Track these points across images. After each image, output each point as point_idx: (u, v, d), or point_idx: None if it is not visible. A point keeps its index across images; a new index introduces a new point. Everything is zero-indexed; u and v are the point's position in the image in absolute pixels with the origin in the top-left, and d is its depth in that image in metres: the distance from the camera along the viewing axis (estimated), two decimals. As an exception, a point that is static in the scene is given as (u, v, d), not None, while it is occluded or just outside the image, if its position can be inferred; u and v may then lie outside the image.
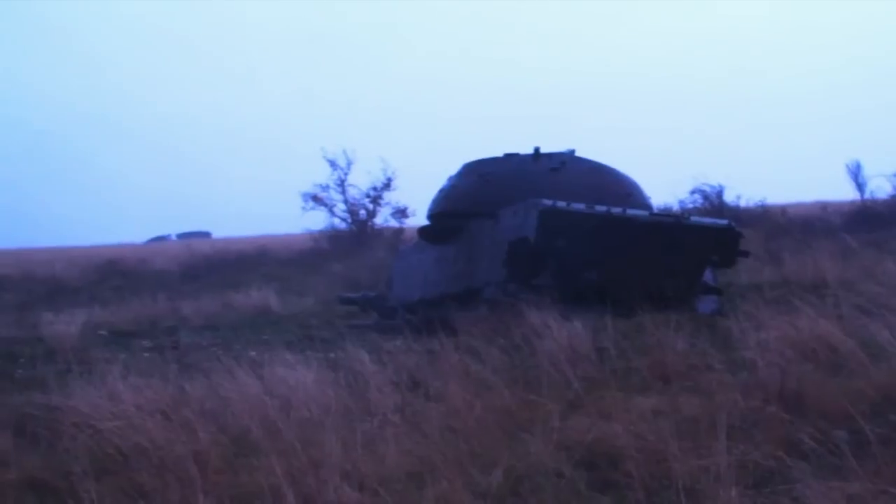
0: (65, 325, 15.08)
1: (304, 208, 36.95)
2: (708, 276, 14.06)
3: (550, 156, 15.34)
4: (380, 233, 36.06)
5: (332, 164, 36.79)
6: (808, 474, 5.57)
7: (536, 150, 15.33)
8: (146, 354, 12.37)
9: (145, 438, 6.77)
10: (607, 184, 15.21)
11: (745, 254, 14.37)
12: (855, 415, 6.31)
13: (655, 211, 16.19)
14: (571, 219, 12.79)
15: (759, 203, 29.08)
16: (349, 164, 36.85)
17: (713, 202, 28.63)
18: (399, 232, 35.05)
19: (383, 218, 37.01)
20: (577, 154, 15.61)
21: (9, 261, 38.22)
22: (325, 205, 36.97)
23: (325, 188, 36.93)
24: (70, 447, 7.19)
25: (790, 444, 6.16)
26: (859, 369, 7.79)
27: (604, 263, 12.80)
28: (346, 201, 37.02)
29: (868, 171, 30.78)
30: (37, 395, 9.19)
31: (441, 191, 16.39)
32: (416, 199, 35.60)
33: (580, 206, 13.00)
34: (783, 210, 28.69)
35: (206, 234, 66.84)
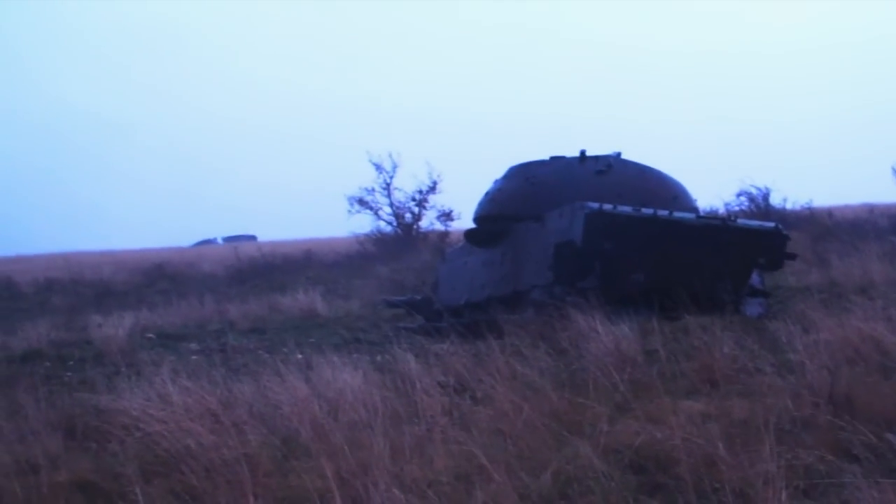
0: (113, 328, 15.23)
1: (349, 211, 37.06)
2: (755, 278, 13.98)
3: (597, 158, 15.29)
4: (425, 236, 36.04)
5: (378, 167, 36.89)
6: (859, 477, 5.53)
7: (582, 152, 15.29)
8: (194, 357, 12.46)
9: (194, 441, 6.80)
10: (653, 186, 15.14)
11: (792, 256, 14.29)
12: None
13: (702, 214, 16.14)
14: (618, 222, 12.74)
15: (806, 205, 28.95)
16: (395, 167, 36.93)
17: (759, 205, 28.45)
18: (444, 235, 34.99)
19: (428, 221, 37.04)
20: (624, 157, 15.56)
21: (58, 264, 38.49)
22: (371, 208, 37.04)
23: (371, 191, 37.02)
24: (119, 449, 7.25)
25: (840, 448, 6.13)
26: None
27: (650, 266, 12.75)
28: (391, 204, 37.09)
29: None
30: (86, 397, 9.29)
31: (487, 194, 16.37)
32: (461, 202, 35.63)
33: (626, 209, 12.95)
34: (829, 212, 28.46)
35: (252, 238, 66.98)
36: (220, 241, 71.80)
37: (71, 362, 12.65)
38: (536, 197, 14.81)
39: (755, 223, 14.76)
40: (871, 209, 29.98)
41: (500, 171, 16.37)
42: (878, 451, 5.99)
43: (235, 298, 23.62)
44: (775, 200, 28.79)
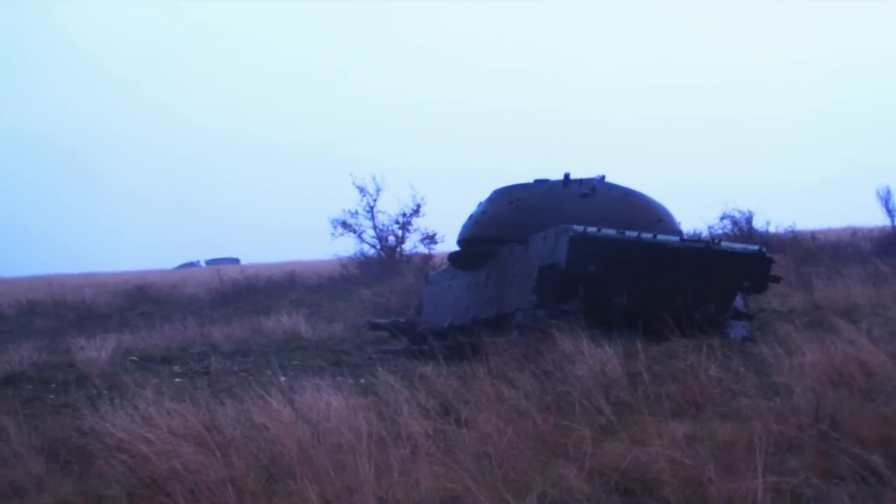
0: (96, 350, 15.16)
1: (333, 234, 37.05)
2: (739, 301, 14.02)
3: (580, 182, 15.33)
4: (409, 259, 36.01)
5: (362, 190, 36.86)
6: (845, 499, 5.54)
7: (566, 175, 15.33)
8: (177, 380, 12.42)
9: (179, 463, 6.77)
10: (637, 210, 15.18)
11: (776, 279, 14.33)
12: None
13: (686, 237, 16.18)
14: (602, 245, 12.76)
15: (789, 229, 28.99)
16: (378, 190, 36.91)
17: (743, 228, 28.50)
18: (428, 258, 34.95)
19: (412, 244, 37.04)
20: (608, 180, 15.60)
21: (40, 286, 38.35)
22: (355, 231, 37.02)
23: (354, 214, 37.00)
24: (103, 472, 7.22)
25: (827, 470, 6.13)
26: (895, 393, 7.75)
27: (634, 289, 12.76)
28: (375, 227, 37.06)
29: (899, 196, 30.57)
30: (69, 420, 9.25)
31: (471, 217, 16.39)
32: (445, 225, 35.72)
33: (610, 232, 12.98)
34: (813, 235, 28.50)
35: (235, 261, 66.84)
36: (202, 263, 71.68)
37: (53, 385, 12.58)
38: (520, 220, 14.84)
39: (739, 246, 14.80)
40: (854, 232, 30.08)
41: (484, 194, 16.41)
42: (864, 474, 5.99)
43: (219, 321, 23.58)
44: (758, 224, 28.85)
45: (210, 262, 69.25)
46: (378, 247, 37.06)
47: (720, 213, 29.10)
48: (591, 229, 12.86)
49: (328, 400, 8.32)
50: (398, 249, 37.01)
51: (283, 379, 10.71)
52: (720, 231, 27.99)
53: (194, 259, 74.18)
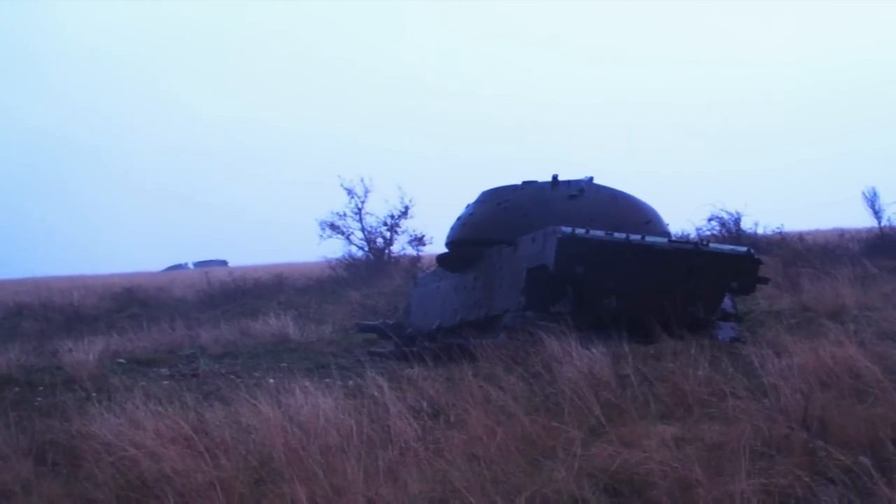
0: (83, 353, 15.13)
1: (321, 236, 36.95)
2: (727, 303, 14.03)
3: (569, 183, 15.33)
4: (397, 261, 35.94)
5: (350, 192, 36.75)
6: (834, 500, 5.55)
7: (555, 177, 15.33)
8: (165, 382, 12.40)
9: (168, 466, 6.76)
10: (626, 211, 15.19)
11: (765, 280, 14.35)
12: (884, 440, 6.29)
13: (674, 238, 16.18)
14: (590, 246, 12.76)
15: (777, 230, 28.96)
16: (366, 192, 36.78)
17: (731, 229, 28.47)
18: (416, 260, 34.88)
19: (400, 246, 36.93)
20: (596, 181, 15.61)
21: (27, 289, 38.24)
22: (343, 233, 36.92)
23: (343, 216, 36.89)
24: (91, 474, 7.20)
25: (815, 470, 6.14)
26: (883, 395, 7.75)
27: (623, 290, 12.77)
28: (363, 229, 36.95)
29: (885, 198, 30.58)
30: (57, 422, 9.23)
31: (459, 218, 16.39)
32: (433, 227, 35.59)
33: (599, 234, 12.98)
34: (801, 237, 28.52)
35: (223, 263, 66.66)
36: (190, 265, 71.56)
37: (41, 387, 12.55)
38: (509, 221, 14.84)
39: (727, 248, 14.80)
40: (841, 234, 30.04)
41: (472, 196, 16.41)
42: (852, 474, 6.00)
43: (207, 323, 23.51)
44: (746, 225, 28.82)
45: (198, 265, 69.15)
46: (366, 248, 36.97)
47: (708, 215, 29.06)
48: (580, 231, 12.86)
49: (317, 402, 8.31)
50: (386, 251, 36.92)
51: (271, 381, 10.71)
52: (708, 232, 27.97)
53: (182, 261, 74.05)
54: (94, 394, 11.38)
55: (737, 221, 28.89)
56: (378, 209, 37.39)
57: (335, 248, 37.42)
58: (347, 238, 37.13)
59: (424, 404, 8.88)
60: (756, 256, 13.90)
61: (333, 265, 36.50)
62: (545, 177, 15.48)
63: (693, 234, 26.69)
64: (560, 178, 15.35)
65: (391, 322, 18.51)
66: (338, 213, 36.98)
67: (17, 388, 12.55)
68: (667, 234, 15.60)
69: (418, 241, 36.32)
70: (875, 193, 30.03)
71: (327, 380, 10.93)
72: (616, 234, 13.06)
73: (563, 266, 12.69)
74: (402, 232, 36.79)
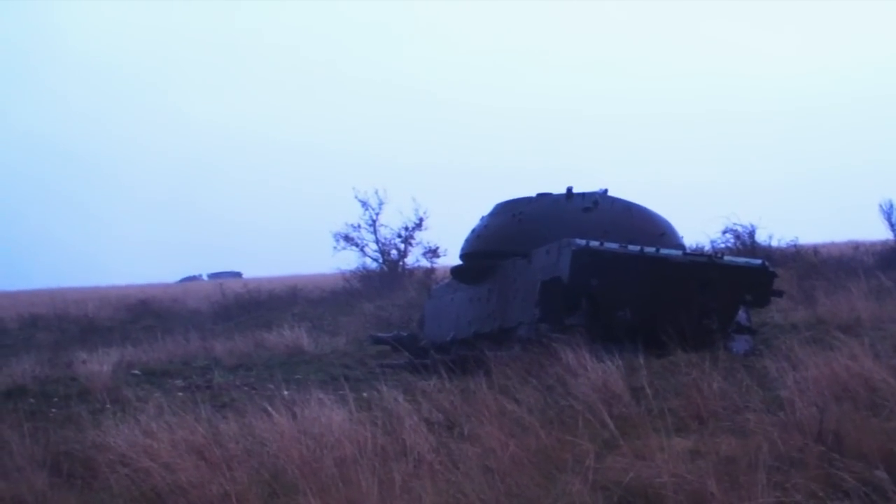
0: (98, 364, 15.14)
1: (335, 248, 36.97)
2: (742, 315, 13.99)
3: (583, 195, 15.33)
4: (411, 273, 35.91)
5: (364, 204, 36.77)
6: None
7: (569, 189, 15.33)
8: (179, 394, 12.41)
9: (182, 477, 6.77)
10: (640, 223, 15.18)
11: (779, 293, 14.33)
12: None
13: (688, 251, 16.16)
14: (604, 259, 12.74)
15: (792, 243, 28.88)
16: (381, 203, 36.80)
17: (745, 242, 28.37)
18: (430, 272, 34.86)
19: (415, 258, 36.91)
20: (610, 194, 15.60)
21: (43, 300, 38.35)
22: (357, 244, 36.92)
23: (357, 228, 36.89)
24: (106, 486, 7.22)
25: (831, 484, 6.12)
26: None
27: (637, 303, 12.74)
28: (377, 241, 36.95)
29: (901, 210, 30.45)
30: (72, 433, 9.25)
31: (474, 231, 16.41)
32: (447, 239, 35.55)
33: (613, 246, 12.97)
34: (815, 250, 28.42)
35: (237, 275, 66.66)
36: (205, 277, 71.54)
37: (56, 398, 12.57)
38: (523, 234, 14.84)
39: (742, 260, 14.79)
40: (856, 246, 29.97)
41: (486, 208, 16.42)
42: (868, 488, 5.97)
43: (221, 335, 23.51)
44: (761, 238, 28.74)
45: (212, 276, 69.17)
46: (380, 260, 36.99)
47: (723, 227, 28.98)
48: (594, 243, 12.85)
49: (331, 414, 8.32)
50: (400, 263, 36.92)
51: (285, 393, 10.72)
52: (723, 245, 27.90)
53: (196, 273, 74.01)
54: (108, 405, 11.41)
55: (751, 234, 28.81)
56: (392, 221, 37.39)
57: (349, 260, 37.48)
58: (362, 250, 37.18)
59: (439, 416, 8.87)
60: (770, 269, 13.90)
61: (348, 277, 36.53)
62: (560, 189, 15.49)
63: (707, 247, 26.63)
64: (574, 190, 15.35)
65: (405, 334, 18.50)
66: (352, 225, 37.03)
67: (31, 400, 12.57)
68: (681, 246, 15.59)
69: (432, 253, 36.33)
70: (892, 206, 29.98)
71: (341, 392, 10.91)
72: (630, 247, 13.05)
73: (578, 278, 12.68)
74: (417, 244, 36.82)
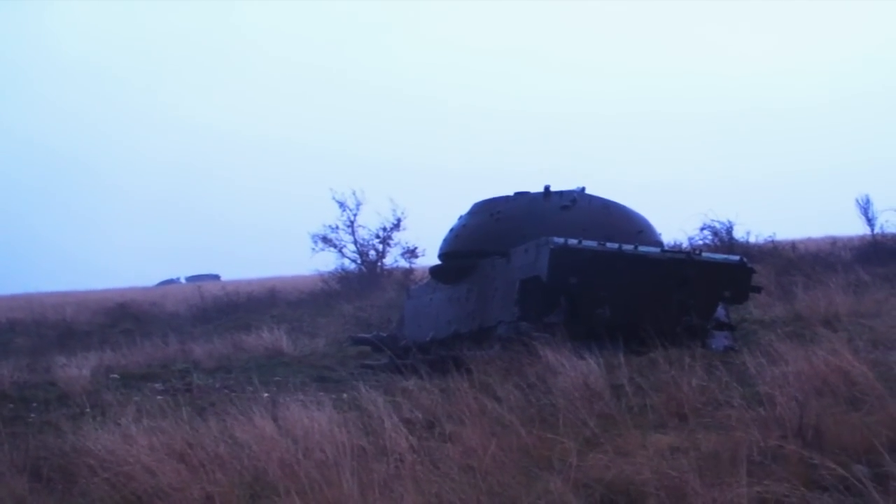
0: (77, 368, 15.10)
1: (313, 249, 36.92)
2: (720, 312, 14.02)
3: (561, 194, 15.35)
4: (390, 273, 35.92)
5: (342, 205, 36.75)
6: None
7: (547, 188, 15.34)
8: (159, 397, 12.35)
9: (162, 481, 6.75)
10: (618, 221, 15.21)
11: (758, 289, 14.36)
12: (880, 449, 6.29)
13: (666, 248, 16.19)
14: (583, 256, 12.75)
15: (769, 239, 28.97)
16: (358, 204, 36.76)
17: (723, 239, 28.45)
18: (409, 272, 34.86)
19: (393, 258, 36.90)
20: (588, 192, 15.62)
21: (20, 305, 38.17)
22: (335, 246, 36.87)
23: (335, 229, 36.86)
24: (86, 490, 7.19)
25: (811, 479, 6.13)
26: (878, 403, 7.76)
27: (616, 300, 12.76)
28: (355, 242, 36.93)
29: (878, 205, 30.57)
30: (51, 438, 9.22)
31: (452, 230, 16.41)
32: (426, 239, 35.53)
33: (591, 244, 12.97)
34: (793, 245, 28.54)
35: (216, 277, 66.42)
36: (183, 280, 71.37)
37: (35, 403, 12.54)
38: (501, 233, 14.84)
39: (720, 257, 14.83)
40: (833, 242, 30.10)
41: (464, 208, 16.42)
42: (847, 483, 5.99)
43: (200, 338, 23.44)
44: (739, 234, 28.82)
45: (190, 279, 68.98)
46: (359, 261, 36.95)
47: (700, 224, 29.06)
48: (573, 241, 12.85)
49: (311, 415, 8.31)
50: (379, 264, 36.90)
51: (265, 395, 10.71)
52: (700, 242, 27.95)
53: (174, 276, 73.86)
54: (88, 409, 11.37)
55: (729, 230, 28.88)
56: (370, 222, 37.36)
57: (328, 262, 37.43)
58: (340, 251, 37.13)
59: (419, 416, 8.87)
60: (749, 265, 13.93)
61: (326, 278, 36.48)
62: (537, 187, 15.50)
63: (685, 244, 26.68)
64: (552, 188, 15.37)
65: (385, 335, 18.50)
66: (330, 226, 36.98)
67: (10, 405, 12.54)
68: (659, 243, 15.62)
69: (411, 253, 36.32)
70: (868, 201, 30.05)
71: (321, 393, 10.92)
72: (609, 245, 13.06)
73: (557, 277, 12.68)
74: (395, 244, 36.81)
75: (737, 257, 14.35)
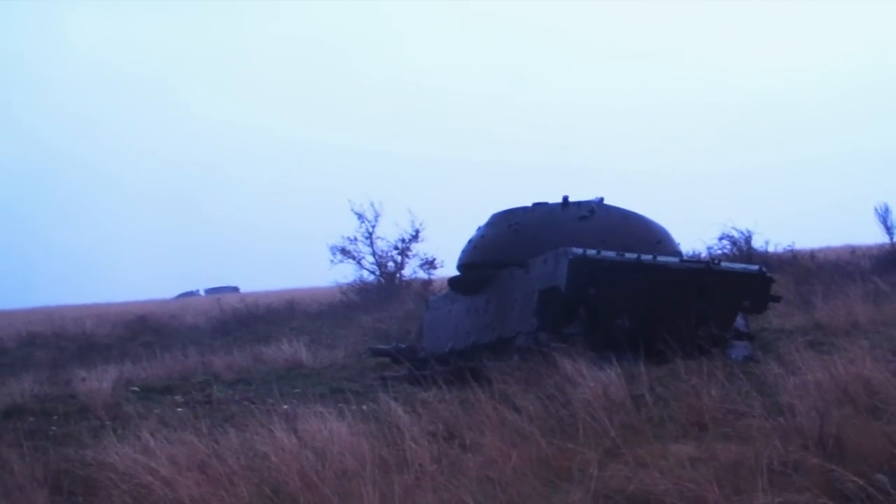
0: (97, 381, 15.11)
1: (332, 261, 36.97)
2: (740, 321, 13.99)
3: (579, 204, 15.34)
4: (408, 284, 35.88)
5: (360, 216, 36.75)
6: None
7: (565, 198, 15.33)
8: (179, 409, 12.37)
9: (183, 493, 6.76)
10: (637, 231, 15.18)
11: (777, 299, 14.31)
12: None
13: (685, 257, 16.16)
14: (602, 267, 12.74)
15: (788, 248, 28.95)
16: (377, 216, 36.78)
17: (742, 248, 28.43)
18: (427, 283, 34.84)
19: (412, 269, 36.89)
20: (606, 202, 15.61)
21: (40, 318, 38.30)
22: (353, 257, 36.90)
23: (353, 241, 36.88)
24: (107, 503, 7.20)
25: (832, 489, 6.11)
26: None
27: (635, 311, 12.74)
28: (374, 253, 36.95)
29: (897, 214, 30.46)
30: (72, 451, 9.24)
31: (470, 241, 16.40)
32: (444, 250, 35.50)
33: (610, 255, 12.96)
34: (812, 254, 28.53)
35: (235, 289, 66.47)
36: (202, 292, 71.42)
37: (55, 416, 12.55)
38: (520, 243, 14.83)
39: (739, 266, 14.81)
40: (853, 251, 30.03)
41: (483, 219, 16.41)
42: (868, 493, 5.97)
43: (219, 350, 23.46)
44: (757, 243, 28.77)
45: (209, 291, 68.98)
46: (377, 273, 36.95)
47: (719, 234, 29.03)
48: (591, 252, 12.85)
49: (331, 427, 8.31)
50: (398, 275, 36.89)
51: (285, 407, 10.70)
52: (719, 251, 27.92)
53: (194, 288, 73.89)
54: (108, 422, 11.36)
55: (748, 240, 28.84)
56: (389, 233, 37.36)
57: (346, 273, 37.44)
58: (358, 263, 37.15)
59: (439, 427, 8.87)
60: (768, 275, 13.90)
61: (345, 290, 36.48)
62: (556, 198, 15.50)
63: (704, 254, 26.66)
64: (570, 199, 15.36)
65: (404, 346, 18.48)
66: (348, 238, 37.01)
67: (31, 418, 12.56)
68: (678, 253, 15.59)
69: (429, 264, 36.31)
70: (887, 209, 29.94)
71: (341, 405, 10.91)
72: (627, 255, 13.05)
73: (575, 287, 12.68)
74: (413, 256, 36.80)
75: (756, 267, 14.32)
